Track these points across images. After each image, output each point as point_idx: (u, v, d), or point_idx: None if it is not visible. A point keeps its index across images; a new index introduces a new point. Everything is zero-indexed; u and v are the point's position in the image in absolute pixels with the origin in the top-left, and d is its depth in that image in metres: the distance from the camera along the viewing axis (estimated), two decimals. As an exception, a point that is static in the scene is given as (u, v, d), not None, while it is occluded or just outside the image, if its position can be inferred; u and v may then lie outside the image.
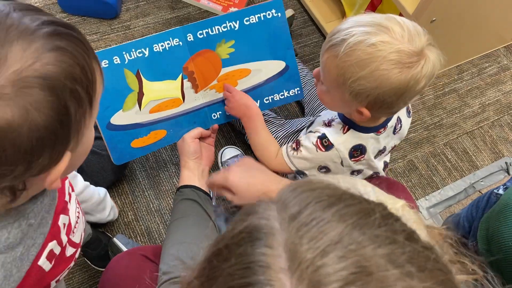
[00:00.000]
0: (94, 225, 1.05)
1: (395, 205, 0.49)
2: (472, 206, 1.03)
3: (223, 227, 0.97)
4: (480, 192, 1.33)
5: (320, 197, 0.34)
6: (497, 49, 1.63)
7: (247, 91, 1.01)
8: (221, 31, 0.95)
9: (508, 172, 1.38)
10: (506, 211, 0.82)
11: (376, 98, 0.73)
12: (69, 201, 0.62)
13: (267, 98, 1.04)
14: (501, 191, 0.96)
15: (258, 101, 1.03)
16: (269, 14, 0.97)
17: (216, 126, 1.00)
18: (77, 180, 0.89)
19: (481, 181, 1.35)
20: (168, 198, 1.19)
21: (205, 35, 0.94)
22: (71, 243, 0.62)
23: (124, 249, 1.00)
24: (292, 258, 0.29)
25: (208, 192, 0.91)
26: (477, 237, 0.90)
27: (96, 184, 1.04)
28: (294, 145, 0.93)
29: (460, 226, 1.06)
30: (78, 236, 0.65)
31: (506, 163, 1.39)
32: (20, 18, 0.42)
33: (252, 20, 0.96)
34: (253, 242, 0.32)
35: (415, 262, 0.29)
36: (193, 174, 0.91)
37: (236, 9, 1.54)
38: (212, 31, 0.94)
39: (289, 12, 1.47)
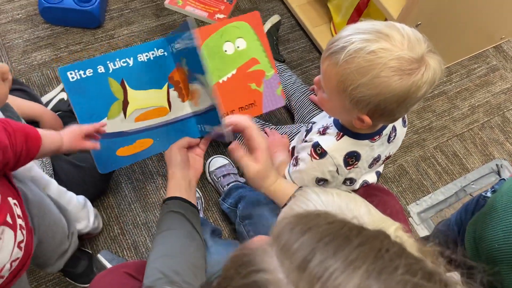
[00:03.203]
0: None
1: (389, 228, 0.48)
2: (461, 210, 1.02)
3: (208, 240, 0.95)
4: (471, 195, 1.31)
5: (324, 238, 0.31)
6: (486, 49, 1.62)
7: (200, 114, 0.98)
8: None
9: (499, 174, 1.37)
10: (492, 213, 0.81)
11: (377, 105, 0.72)
12: None
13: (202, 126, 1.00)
14: (489, 194, 0.95)
15: (199, 126, 1.00)
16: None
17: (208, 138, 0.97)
18: (51, 187, 0.87)
19: (472, 184, 1.34)
20: (155, 211, 1.17)
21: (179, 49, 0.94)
22: None
23: (109, 265, 0.98)
24: None
25: (196, 204, 0.90)
26: (465, 241, 0.89)
27: None
28: (294, 162, 0.93)
29: (450, 230, 1.05)
30: None
31: (497, 165, 1.38)
32: None
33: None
34: None
35: None
36: (180, 185, 0.89)
37: (222, 15, 1.52)
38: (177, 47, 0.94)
39: (275, 18, 1.45)
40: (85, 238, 1.08)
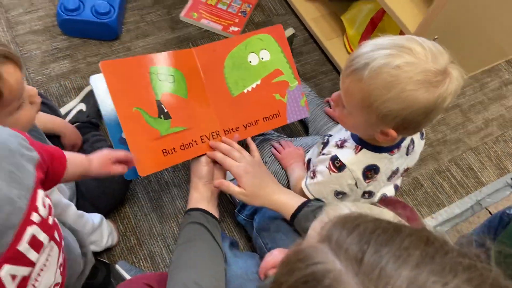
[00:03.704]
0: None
1: None
2: (483, 227, 1.01)
3: (227, 253, 0.95)
4: (487, 209, 1.31)
5: (375, 231, 0.33)
6: (498, 63, 1.63)
7: None
8: None
9: (514, 188, 1.36)
10: None
11: (404, 118, 0.73)
12: (34, 250, 0.57)
13: None
14: None
15: None
16: None
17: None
18: (69, 212, 0.87)
19: (487, 198, 1.33)
20: (171, 221, 1.17)
21: None
22: None
23: (127, 276, 0.98)
24: None
25: (217, 217, 0.90)
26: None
27: (97, 209, 1.02)
28: (311, 174, 0.94)
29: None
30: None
31: (511, 178, 1.37)
32: None
33: None
34: None
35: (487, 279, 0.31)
36: (202, 197, 0.90)
37: (236, 28, 1.54)
38: None
39: (289, 31, 1.47)
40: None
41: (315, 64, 1.53)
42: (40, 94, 1.16)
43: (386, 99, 0.71)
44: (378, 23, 1.43)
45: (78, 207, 0.98)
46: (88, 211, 0.97)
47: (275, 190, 0.90)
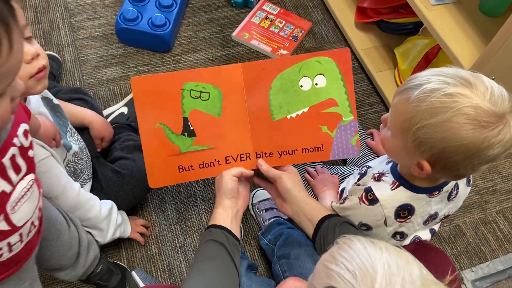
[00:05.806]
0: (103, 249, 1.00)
1: None
2: None
3: (243, 275, 0.91)
4: (536, 270, 1.19)
5: None
6: None
7: None
8: None
9: None
10: None
11: (441, 152, 0.68)
12: (13, 170, 0.60)
13: None
14: None
15: None
16: None
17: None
18: (68, 195, 0.87)
19: (538, 258, 1.21)
20: (194, 235, 1.16)
21: None
22: (6, 218, 0.60)
23: (141, 284, 0.97)
24: None
25: (239, 237, 0.87)
26: None
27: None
28: (341, 201, 0.90)
29: None
30: (19, 218, 0.62)
31: None
32: None
33: None
34: None
35: None
36: (226, 214, 0.87)
37: (286, 52, 1.54)
38: None
39: (338, 59, 1.44)
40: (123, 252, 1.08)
41: (361, 95, 1.49)
42: (85, 93, 1.21)
43: (426, 124, 0.66)
44: (432, 59, 1.37)
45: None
46: None
47: (308, 197, 0.89)
